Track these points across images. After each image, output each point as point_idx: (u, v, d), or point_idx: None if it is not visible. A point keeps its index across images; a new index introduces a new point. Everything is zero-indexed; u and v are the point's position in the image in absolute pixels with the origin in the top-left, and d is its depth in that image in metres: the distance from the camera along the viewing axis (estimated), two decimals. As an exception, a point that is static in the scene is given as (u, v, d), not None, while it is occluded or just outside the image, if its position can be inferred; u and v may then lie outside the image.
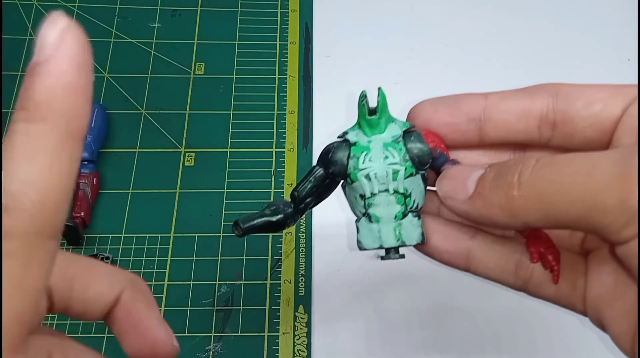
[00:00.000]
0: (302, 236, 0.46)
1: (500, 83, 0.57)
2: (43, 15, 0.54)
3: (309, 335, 0.43)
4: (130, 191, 0.47)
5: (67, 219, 0.43)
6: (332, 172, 0.28)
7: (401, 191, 0.27)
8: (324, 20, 0.56)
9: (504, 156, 0.28)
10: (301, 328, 0.43)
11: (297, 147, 0.50)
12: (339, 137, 0.28)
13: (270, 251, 0.45)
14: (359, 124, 0.28)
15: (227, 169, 0.49)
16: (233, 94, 0.52)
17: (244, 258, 0.45)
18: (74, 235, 0.44)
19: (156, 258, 0.45)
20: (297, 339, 0.42)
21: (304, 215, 0.29)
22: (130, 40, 0.54)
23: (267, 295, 0.44)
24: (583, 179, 0.20)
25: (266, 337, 0.42)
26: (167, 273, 0.44)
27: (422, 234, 0.27)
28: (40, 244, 0.16)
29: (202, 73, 0.53)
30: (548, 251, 0.25)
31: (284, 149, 0.50)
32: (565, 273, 0.25)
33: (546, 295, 0.26)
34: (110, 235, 0.46)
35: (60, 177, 0.16)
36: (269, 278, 0.44)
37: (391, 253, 0.28)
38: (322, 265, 0.45)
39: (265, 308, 0.43)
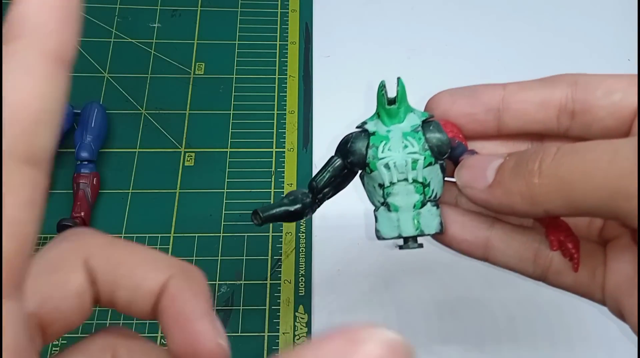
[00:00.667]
0: (302, 236, 0.46)
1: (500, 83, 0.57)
2: (43, 15, 0.55)
3: (309, 335, 0.43)
4: (130, 191, 0.47)
5: (67, 219, 0.43)
6: (351, 162, 0.28)
7: (420, 180, 0.27)
8: (324, 20, 0.56)
9: (522, 146, 0.28)
10: (301, 328, 0.43)
11: (297, 147, 0.50)
12: (357, 127, 0.28)
13: (270, 251, 0.45)
14: (377, 114, 0.28)
15: (227, 169, 0.49)
16: (233, 94, 0.52)
17: (244, 258, 0.45)
18: (74, 235, 0.44)
19: (156, 258, 0.45)
20: (297, 339, 0.42)
21: (321, 205, 0.29)
22: (130, 40, 0.54)
23: (267, 295, 0.44)
24: (606, 166, 0.20)
25: (266, 337, 0.42)
26: (167, 273, 0.44)
27: (441, 223, 0.27)
28: (11, 168, 0.15)
29: (202, 73, 0.53)
30: (568, 240, 0.25)
31: (284, 149, 0.50)
32: (584, 262, 0.25)
33: (565, 284, 0.26)
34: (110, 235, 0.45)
35: (34, 97, 0.15)
36: (269, 278, 0.44)
37: (409, 242, 0.28)
38: (322, 265, 0.45)
39: (265, 308, 0.43)
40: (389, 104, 0.27)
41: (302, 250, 0.46)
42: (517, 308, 0.44)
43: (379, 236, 0.28)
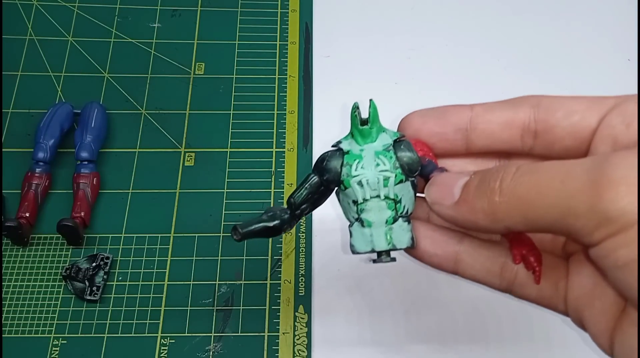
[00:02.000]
0: (302, 236, 0.46)
1: (500, 83, 0.57)
2: (43, 15, 0.55)
3: (309, 335, 0.43)
4: (130, 191, 0.47)
5: (67, 219, 0.43)
6: (327, 179, 0.29)
7: (392, 196, 0.28)
8: (324, 20, 0.57)
9: (490, 163, 0.29)
10: (301, 328, 0.43)
11: (297, 147, 0.50)
12: (332, 146, 0.29)
13: (270, 251, 0.45)
14: (351, 134, 0.29)
15: (227, 169, 0.49)
16: (233, 94, 0.52)
17: (244, 258, 0.45)
18: (74, 235, 0.44)
19: (156, 258, 0.45)
20: (297, 339, 0.42)
21: (299, 221, 0.31)
22: (130, 40, 0.54)
23: (267, 295, 0.44)
24: (558, 186, 0.21)
25: (266, 337, 0.42)
26: (167, 273, 0.44)
27: (412, 238, 0.28)
28: None
29: (202, 73, 0.53)
30: (530, 254, 0.26)
31: (284, 149, 0.50)
32: (548, 275, 0.26)
33: (529, 296, 0.27)
34: (110, 235, 0.46)
35: None
36: (269, 278, 0.44)
37: (383, 256, 0.29)
38: (322, 265, 0.45)
39: (265, 308, 0.43)
40: (362, 125, 0.28)
41: (302, 250, 0.46)
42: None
43: (354, 251, 0.29)
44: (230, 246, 0.45)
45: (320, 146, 0.50)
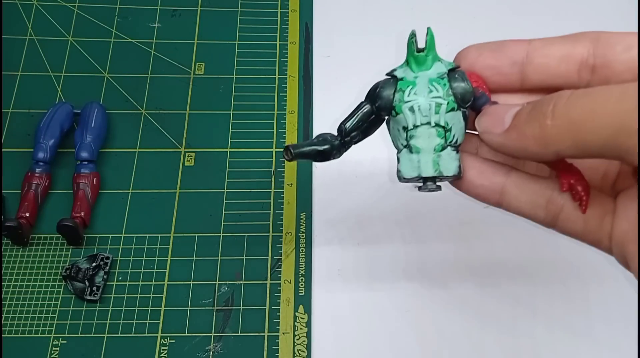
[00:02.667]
0: (302, 236, 0.46)
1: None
2: (43, 15, 0.55)
3: (309, 335, 0.43)
4: (130, 191, 0.47)
5: (67, 219, 0.43)
6: (379, 106, 0.29)
7: (442, 124, 0.28)
8: (324, 20, 0.57)
9: None
10: (301, 328, 0.43)
11: (297, 147, 0.50)
12: (387, 74, 0.30)
13: (270, 251, 0.45)
14: (407, 62, 0.29)
15: (227, 169, 0.49)
16: (233, 94, 0.52)
17: (244, 258, 0.45)
18: (74, 235, 0.44)
19: (156, 258, 0.45)
20: (297, 339, 0.42)
21: (349, 149, 0.31)
22: (130, 40, 0.54)
23: (267, 295, 0.44)
24: (612, 106, 0.21)
25: (266, 337, 0.42)
26: (167, 273, 0.44)
27: (459, 167, 0.29)
28: None
29: (202, 73, 0.53)
30: (578, 183, 0.26)
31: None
32: (595, 209, 0.26)
33: (574, 231, 0.27)
34: (110, 235, 0.46)
35: None
36: (269, 278, 0.44)
37: (428, 183, 0.29)
38: (322, 265, 0.45)
39: (265, 308, 0.43)
40: (418, 52, 0.29)
41: (302, 250, 0.46)
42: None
43: (400, 177, 0.29)
44: (230, 246, 0.45)
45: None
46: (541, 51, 0.27)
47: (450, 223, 0.47)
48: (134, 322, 0.42)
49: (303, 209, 0.47)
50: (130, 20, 0.55)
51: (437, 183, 0.29)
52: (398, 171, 0.29)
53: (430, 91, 0.28)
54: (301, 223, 0.47)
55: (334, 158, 0.31)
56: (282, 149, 0.50)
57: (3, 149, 0.48)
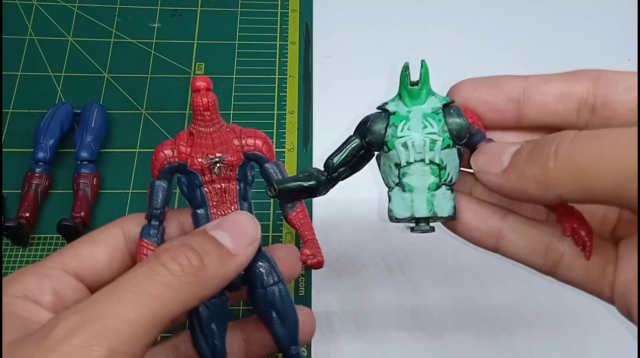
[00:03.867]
0: (302, 236, 0.46)
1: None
2: (43, 15, 0.55)
3: (309, 335, 0.43)
4: (130, 191, 0.47)
5: (67, 219, 0.43)
6: (369, 141, 0.28)
7: (437, 161, 0.27)
8: (324, 20, 0.57)
9: None
10: (301, 328, 0.43)
11: (297, 147, 0.50)
12: (378, 108, 0.28)
13: (270, 251, 0.45)
14: (399, 95, 0.28)
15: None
16: (233, 94, 0.52)
17: (244, 258, 0.45)
18: (74, 235, 0.44)
19: (156, 258, 0.45)
20: (297, 339, 0.42)
21: (336, 185, 0.30)
22: (130, 40, 0.54)
23: (267, 295, 0.44)
24: (622, 151, 0.20)
25: (266, 337, 0.42)
26: (167, 273, 0.44)
27: (454, 207, 0.27)
28: None
29: (202, 73, 0.53)
30: (581, 228, 0.25)
31: (284, 149, 0.50)
32: (596, 258, 0.25)
33: (575, 279, 0.26)
34: (110, 235, 0.45)
35: None
36: (269, 278, 0.44)
37: (422, 224, 0.27)
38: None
39: (265, 308, 0.43)
40: (411, 86, 0.27)
41: (302, 250, 0.46)
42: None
43: (392, 217, 0.28)
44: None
45: (320, 146, 0.50)
46: (539, 88, 0.26)
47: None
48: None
49: (303, 209, 0.47)
50: (130, 20, 0.55)
51: (431, 224, 0.28)
52: (389, 211, 0.28)
53: (425, 127, 0.27)
54: (301, 223, 0.47)
55: (320, 195, 0.29)
56: (282, 149, 0.50)
57: (3, 149, 0.48)
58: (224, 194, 0.30)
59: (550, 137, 0.23)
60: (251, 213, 0.30)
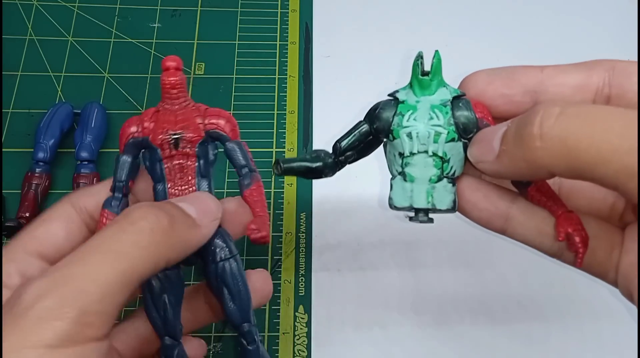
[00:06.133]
0: (302, 236, 0.46)
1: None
2: (43, 15, 0.55)
3: (308, 335, 0.43)
4: (130, 191, 0.47)
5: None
6: (377, 128, 0.28)
7: (440, 154, 0.27)
8: (324, 20, 0.57)
9: None
10: (301, 328, 0.43)
11: (297, 147, 0.50)
12: (389, 95, 0.29)
13: (270, 251, 0.45)
14: (410, 84, 0.28)
15: (227, 170, 0.49)
16: (233, 94, 0.52)
17: (244, 258, 0.45)
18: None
19: (156, 258, 0.45)
20: (297, 339, 0.42)
21: (342, 168, 0.30)
22: (130, 40, 0.54)
23: (267, 295, 0.44)
24: (615, 139, 0.20)
25: (266, 337, 0.42)
26: (167, 273, 0.44)
27: (455, 201, 0.27)
28: None
29: (202, 73, 0.53)
30: (576, 233, 0.25)
31: (284, 149, 0.50)
32: (603, 242, 0.25)
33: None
34: (110, 235, 0.45)
35: None
36: (269, 278, 0.44)
37: (420, 214, 0.28)
38: (322, 264, 0.45)
39: (266, 308, 0.43)
40: (423, 75, 0.27)
41: (302, 250, 0.46)
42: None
43: (391, 205, 0.28)
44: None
45: (320, 146, 0.50)
46: (556, 79, 0.26)
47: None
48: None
49: (303, 209, 0.47)
50: (130, 20, 0.55)
51: (430, 216, 0.28)
52: (390, 199, 0.28)
53: (431, 118, 0.27)
54: (301, 223, 0.47)
55: (325, 176, 0.30)
56: (282, 149, 0.50)
57: (3, 149, 0.48)
58: (182, 170, 0.30)
59: (532, 113, 0.22)
60: (211, 191, 0.31)
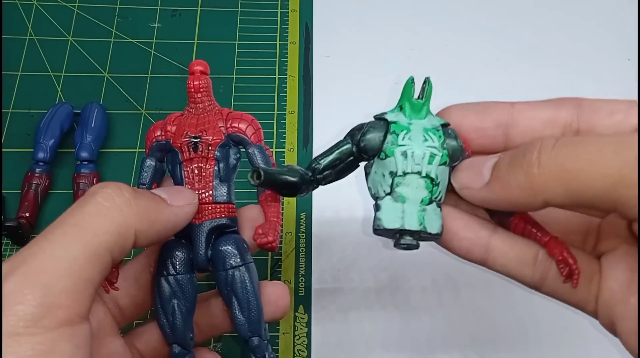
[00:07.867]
0: (302, 236, 0.46)
1: (501, 83, 0.57)
2: (43, 15, 0.55)
3: (309, 335, 0.43)
4: (130, 191, 0.47)
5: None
6: (363, 147, 0.27)
7: (432, 176, 0.27)
8: (324, 20, 0.57)
9: None
10: (301, 328, 0.43)
11: (297, 147, 0.50)
12: (375, 117, 0.28)
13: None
14: (399, 107, 0.28)
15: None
16: (233, 94, 0.52)
17: (244, 258, 0.45)
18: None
19: (156, 258, 0.45)
20: (297, 339, 0.42)
21: (319, 187, 0.29)
22: (130, 40, 0.54)
23: (267, 295, 0.44)
24: (610, 156, 0.21)
25: (266, 337, 0.42)
26: (167, 273, 0.44)
27: (442, 226, 0.27)
28: None
29: (202, 73, 0.53)
30: (569, 256, 0.26)
31: (284, 149, 0.50)
32: (582, 271, 0.26)
33: (560, 292, 0.27)
34: (110, 235, 0.45)
35: None
36: (269, 278, 0.44)
37: (407, 237, 0.27)
38: (322, 265, 0.45)
39: (265, 308, 0.43)
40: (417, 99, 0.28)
41: (302, 250, 0.46)
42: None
43: (379, 226, 0.27)
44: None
45: (321, 146, 0.50)
46: (526, 113, 0.27)
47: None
48: (135, 321, 0.42)
49: (303, 209, 0.47)
50: (130, 20, 0.55)
51: (417, 241, 0.27)
52: (377, 220, 0.27)
53: (426, 140, 0.27)
54: (301, 223, 0.47)
55: (302, 194, 0.28)
56: (282, 149, 0.50)
57: (3, 149, 0.48)
58: (201, 174, 0.30)
59: (530, 144, 0.23)
60: (230, 195, 0.30)
